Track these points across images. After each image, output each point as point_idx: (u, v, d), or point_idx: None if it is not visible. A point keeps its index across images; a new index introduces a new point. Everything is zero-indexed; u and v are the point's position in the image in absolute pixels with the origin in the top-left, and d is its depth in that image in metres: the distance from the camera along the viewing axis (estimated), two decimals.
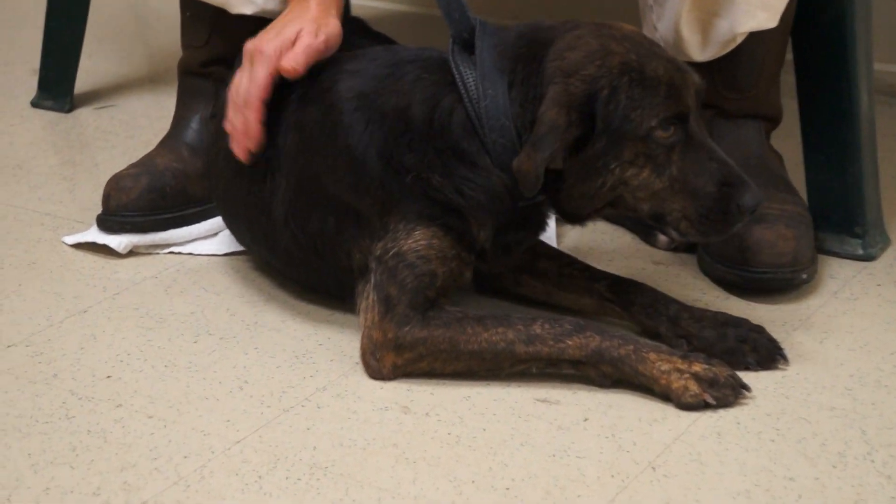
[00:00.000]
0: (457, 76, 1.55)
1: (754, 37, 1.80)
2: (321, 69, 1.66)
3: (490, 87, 1.53)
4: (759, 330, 1.60)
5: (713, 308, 1.70)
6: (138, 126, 2.40)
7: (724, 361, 1.53)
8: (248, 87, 1.66)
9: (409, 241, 1.56)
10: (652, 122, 1.50)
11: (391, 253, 1.57)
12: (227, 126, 1.69)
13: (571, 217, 1.59)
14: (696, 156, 1.52)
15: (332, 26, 1.70)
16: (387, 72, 1.60)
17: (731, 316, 1.62)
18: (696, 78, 1.54)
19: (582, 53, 1.51)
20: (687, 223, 1.53)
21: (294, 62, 1.65)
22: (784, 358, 1.58)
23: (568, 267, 1.72)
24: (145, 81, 2.64)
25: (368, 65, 1.62)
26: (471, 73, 1.54)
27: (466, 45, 1.56)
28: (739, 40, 1.78)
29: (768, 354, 1.58)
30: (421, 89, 1.57)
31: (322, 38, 1.67)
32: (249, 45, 1.69)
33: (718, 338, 1.58)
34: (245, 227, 1.78)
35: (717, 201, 1.51)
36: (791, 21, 1.86)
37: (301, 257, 1.69)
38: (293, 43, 1.67)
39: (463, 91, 1.54)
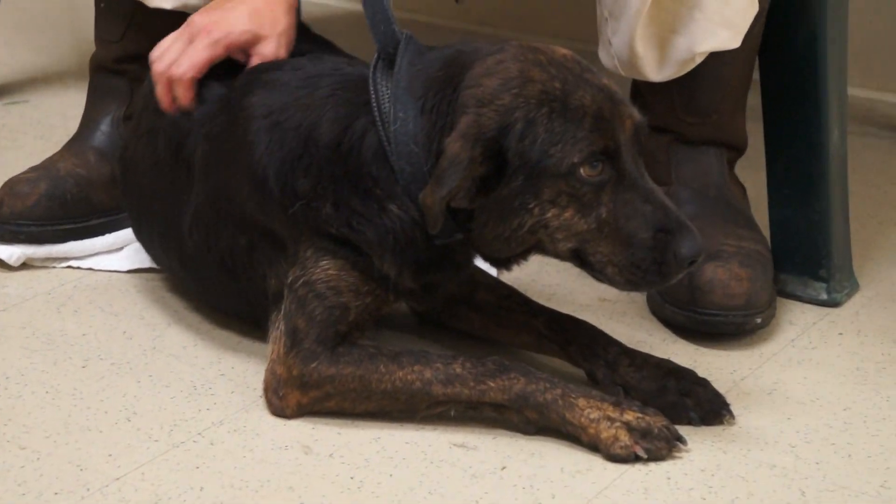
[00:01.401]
0: (372, 95, 1.56)
1: (717, 57, 1.83)
2: (255, 74, 1.69)
3: (401, 109, 1.54)
4: (704, 383, 1.62)
5: (658, 352, 1.72)
6: (51, 126, 2.41)
7: (665, 415, 1.55)
8: (182, 61, 1.70)
9: (318, 271, 1.58)
10: (574, 157, 1.49)
11: (301, 281, 1.59)
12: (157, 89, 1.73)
13: (492, 260, 1.61)
14: (629, 197, 1.51)
15: (292, 40, 1.74)
16: (301, 84, 1.62)
17: (674, 365, 1.63)
18: (633, 111, 1.54)
19: (499, 80, 1.51)
20: (614, 269, 1.52)
21: None
22: (730, 414, 1.59)
23: (507, 300, 1.74)
24: (66, 76, 2.66)
25: (287, 76, 1.64)
26: (387, 93, 1.56)
27: (391, 62, 1.58)
28: (699, 60, 1.81)
29: (712, 410, 1.59)
30: (333, 107, 1.58)
31: (284, 54, 1.72)
32: (197, 19, 1.72)
33: (658, 390, 1.60)
34: (157, 239, 1.80)
35: (650, 249, 1.49)
36: (758, 41, 1.89)
37: (212, 276, 1.71)
38: (249, 44, 1.70)
39: (376, 112, 1.55)
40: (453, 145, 1.49)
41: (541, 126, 1.49)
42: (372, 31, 1.59)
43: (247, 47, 1.72)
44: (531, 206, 1.51)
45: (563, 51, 1.56)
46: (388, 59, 1.57)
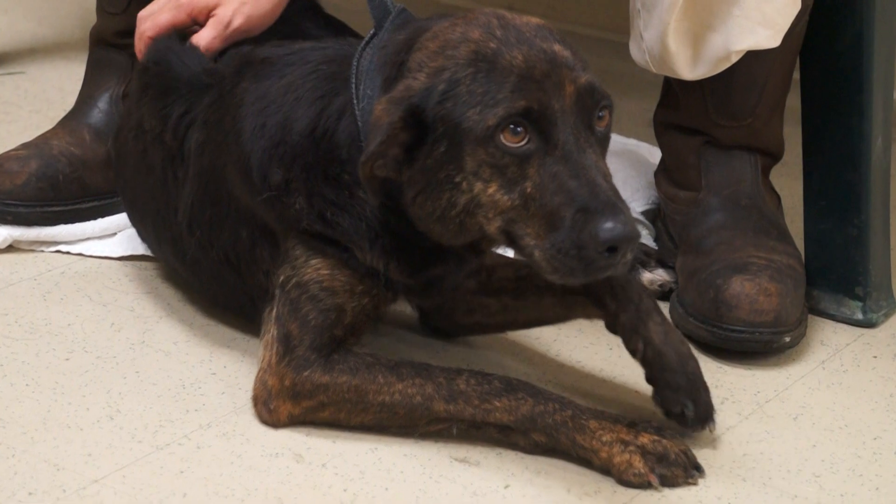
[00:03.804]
0: (353, 71, 1.54)
1: (754, 56, 1.81)
2: (247, 54, 1.69)
3: (370, 86, 1.52)
4: (707, 388, 1.58)
5: None
6: (48, 99, 2.41)
7: (663, 395, 1.54)
8: (148, 21, 1.78)
9: (309, 270, 1.57)
10: (490, 120, 1.43)
11: (293, 282, 1.58)
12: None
13: (457, 247, 1.55)
14: (556, 170, 1.42)
15: (261, 6, 1.74)
16: (288, 61, 1.61)
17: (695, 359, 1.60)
18: (578, 76, 1.44)
19: (439, 43, 1.48)
20: (540, 254, 1.43)
21: (205, 42, 1.74)
22: (712, 426, 1.56)
23: (525, 268, 1.68)
24: (67, 48, 2.66)
25: (282, 59, 1.63)
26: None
27: None
28: (735, 59, 1.79)
29: (706, 411, 1.56)
30: (313, 84, 1.57)
31: (239, 22, 1.74)
32: None
33: (679, 363, 1.56)
34: (151, 227, 1.79)
35: (569, 230, 1.40)
36: (800, 41, 1.87)
37: (212, 270, 1.70)
38: (209, 9, 1.74)
39: (353, 89, 1.54)
40: (377, 108, 1.47)
41: (463, 87, 1.44)
42: (369, 4, 1.58)
43: (207, 11, 1.75)
44: (457, 179, 1.45)
45: (534, 20, 1.50)
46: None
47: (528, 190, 1.43)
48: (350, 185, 1.54)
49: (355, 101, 1.53)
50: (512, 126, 1.42)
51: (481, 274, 1.71)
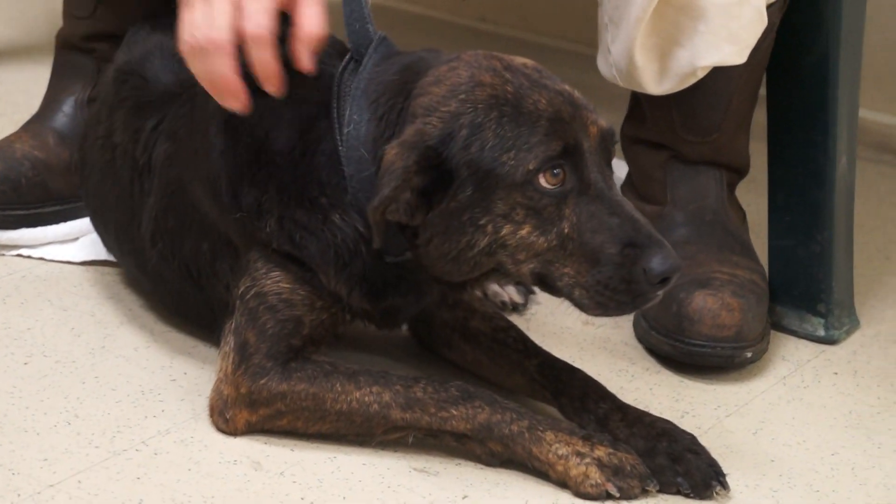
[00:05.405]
0: (334, 96, 1.56)
1: (721, 72, 1.84)
2: None
3: (356, 112, 1.54)
4: (698, 450, 1.56)
5: (639, 382, 1.75)
6: (12, 102, 2.42)
7: (654, 481, 1.52)
8: (252, 16, 1.51)
9: (269, 283, 1.59)
10: (530, 164, 1.47)
11: (252, 292, 1.59)
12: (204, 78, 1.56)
13: (445, 284, 1.58)
14: (593, 209, 1.48)
15: None
16: None
17: (670, 426, 1.58)
18: (598, 118, 1.52)
19: (447, 87, 1.51)
20: (582, 291, 1.49)
21: (315, 27, 1.55)
22: (723, 485, 1.54)
23: (502, 332, 1.72)
24: (34, 50, 2.66)
25: None
26: (348, 94, 1.56)
27: (361, 62, 1.58)
28: (701, 74, 1.82)
29: (703, 481, 1.53)
30: (293, 107, 1.59)
31: None
32: None
33: (647, 451, 1.55)
34: (114, 236, 1.81)
35: (618, 266, 1.47)
36: (766, 58, 1.90)
37: (173, 282, 1.72)
38: None
39: (335, 114, 1.56)
40: (389, 153, 1.49)
41: (489, 131, 1.48)
42: (347, 29, 1.60)
43: None
44: (482, 221, 1.49)
45: (525, 60, 1.55)
46: (359, 60, 1.59)
47: (566, 230, 1.48)
48: (326, 208, 1.56)
49: (337, 126, 1.55)
50: (552, 168, 1.47)
51: (458, 310, 1.73)
